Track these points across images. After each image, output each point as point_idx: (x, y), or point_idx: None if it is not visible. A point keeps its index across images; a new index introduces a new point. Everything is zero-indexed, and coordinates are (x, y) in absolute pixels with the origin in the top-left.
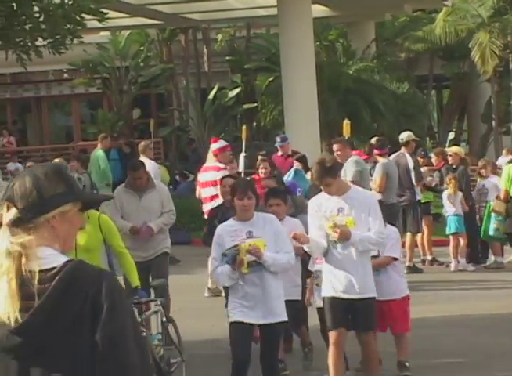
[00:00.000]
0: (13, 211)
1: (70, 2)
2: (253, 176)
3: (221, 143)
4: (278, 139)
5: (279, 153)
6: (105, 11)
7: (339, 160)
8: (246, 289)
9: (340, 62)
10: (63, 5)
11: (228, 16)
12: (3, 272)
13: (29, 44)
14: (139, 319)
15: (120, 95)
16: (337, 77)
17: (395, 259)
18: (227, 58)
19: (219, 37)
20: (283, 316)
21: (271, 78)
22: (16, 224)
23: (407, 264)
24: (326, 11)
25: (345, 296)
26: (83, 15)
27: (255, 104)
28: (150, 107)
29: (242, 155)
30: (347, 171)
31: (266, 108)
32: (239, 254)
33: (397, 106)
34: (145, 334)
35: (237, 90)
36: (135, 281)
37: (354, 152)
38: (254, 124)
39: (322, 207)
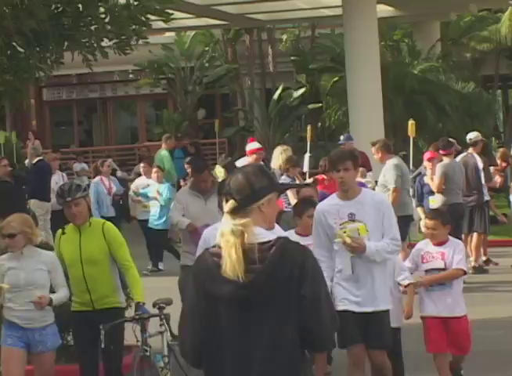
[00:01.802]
0: (231, 202)
1: (136, 3)
2: (317, 176)
3: (255, 145)
4: (342, 137)
5: None
6: (170, 11)
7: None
8: None
9: (405, 62)
10: (128, 5)
11: (293, 17)
12: (231, 246)
13: (95, 45)
14: (143, 338)
15: (185, 95)
16: (402, 78)
17: (465, 273)
18: (292, 58)
19: (284, 37)
20: None
21: (336, 78)
22: (235, 211)
23: (473, 264)
24: (391, 11)
25: (358, 309)
26: (148, 16)
27: (320, 104)
28: (215, 108)
29: (307, 155)
30: (387, 176)
31: (331, 108)
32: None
33: (462, 106)
34: (148, 352)
35: (302, 90)
36: (139, 297)
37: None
38: (319, 124)
39: (330, 215)
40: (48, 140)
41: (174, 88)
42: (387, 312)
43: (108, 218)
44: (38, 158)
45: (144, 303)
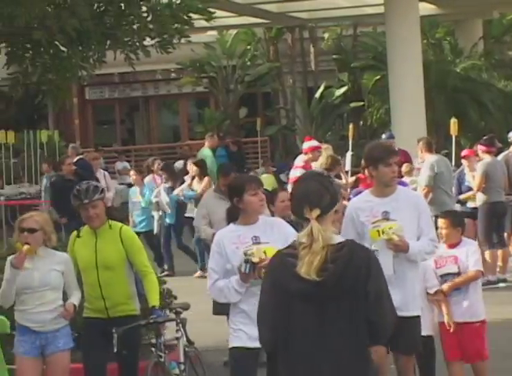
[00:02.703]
0: (316, 211)
1: (178, 2)
2: (358, 175)
3: (313, 143)
4: (384, 135)
5: None
6: (212, 10)
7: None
8: (250, 305)
9: (448, 60)
10: (170, 4)
11: (335, 15)
12: (314, 249)
13: (137, 43)
14: (158, 343)
15: (227, 94)
16: (444, 76)
17: (482, 274)
18: (334, 56)
19: (326, 35)
20: None
21: (378, 77)
22: (318, 218)
23: None
24: (434, 9)
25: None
26: (190, 14)
27: (362, 103)
28: (257, 106)
29: (348, 154)
30: (422, 175)
31: (373, 107)
32: (257, 260)
33: (505, 104)
34: (163, 358)
35: (344, 89)
36: (154, 300)
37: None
38: (361, 122)
39: (362, 213)
40: (91, 139)
41: (216, 86)
42: (418, 318)
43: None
44: (78, 157)
45: (160, 307)
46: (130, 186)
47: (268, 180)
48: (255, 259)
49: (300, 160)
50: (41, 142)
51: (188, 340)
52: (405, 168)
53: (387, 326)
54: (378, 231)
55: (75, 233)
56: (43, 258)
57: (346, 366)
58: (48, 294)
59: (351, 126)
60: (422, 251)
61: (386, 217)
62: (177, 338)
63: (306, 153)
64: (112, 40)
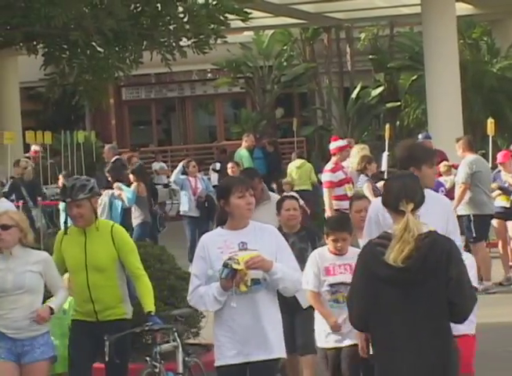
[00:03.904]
0: (412, 205)
1: (214, 2)
2: None
3: (340, 143)
4: (420, 135)
5: None
6: (248, 11)
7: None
8: (235, 317)
9: (484, 60)
10: (207, 5)
11: (372, 15)
12: (408, 238)
13: (173, 44)
14: (153, 352)
15: (264, 94)
16: (480, 76)
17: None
18: (370, 57)
19: (362, 35)
20: (281, 352)
21: (414, 77)
22: (412, 211)
23: None
24: (470, 9)
25: None
26: (227, 15)
27: (398, 103)
28: (293, 106)
29: (385, 154)
30: (459, 172)
31: (409, 107)
32: (239, 267)
33: None
34: (158, 369)
35: (380, 89)
36: (149, 306)
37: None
38: (397, 123)
39: (385, 214)
40: (127, 140)
41: (252, 87)
42: None
43: (192, 218)
44: (116, 157)
45: (151, 312)
46: (166, 186)
47: (302, 168)
48: (236, 266)
49: (330, 163)
50: (77, 143)
51: (184, 350)
52: (442, 167)
53: (468, 307)
54: None
55: (62, 230)
56: (18, 259)
57: (428, 344)
58: (23, 298)
59: (387, 126)
60: None
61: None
62: (174, 347)
63: (334, 154)
64: (148, 40)
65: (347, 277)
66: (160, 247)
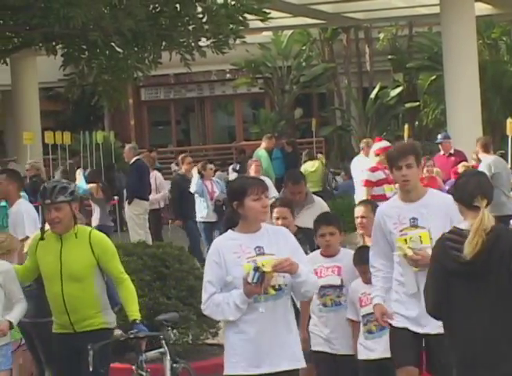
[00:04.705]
0: (486, 201)
1: (233, 2)
2: None
3: (384, 143)
4: (439, 136)
5: (441, 152)
6: (267, 11)
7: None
8: (256, 324)
9: (504, 60)
10: (226, 5)
11: (391, 15)
12: (480, 233)
13: (192, 44)
14: (138, 361)
15: (282, 94)
16: (500, 76)
17: None
18: (389, 57)
19: (381, 36)
20: (303, 361)
21: (433, 77)
22: (486, 207)
23: None
24: (489, 9)
25: (418, 330)
26: (246, 15)
27: (417, 103)
28: (312, 107)
29: None
30: None
31: (428, 107)
32: (268, 269)
33: None
34: None
35: (399, 89)
36: (134, 313)
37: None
38: (416, 123)
39: (389, 219)
40: (146, 140)
41: (271, 87)
42: None
43: (209, 223)
44: (136, 158)
45: (137, 319)
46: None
47: (316, 172)
48: (267, 268)
49: (371, 163)
50: (96, 143)
51: (172, 358)
52: (461, 168)
53: None
54: (405, 240)
55: (38, 234)
56: None
57: (495, 334)
58: None
59: (406, 127)
60: None
61: (414, 224)
62: (162, 354)
63: (378, 155)
64: (167, 41)
65: (335, 279)
66: (179, 248)
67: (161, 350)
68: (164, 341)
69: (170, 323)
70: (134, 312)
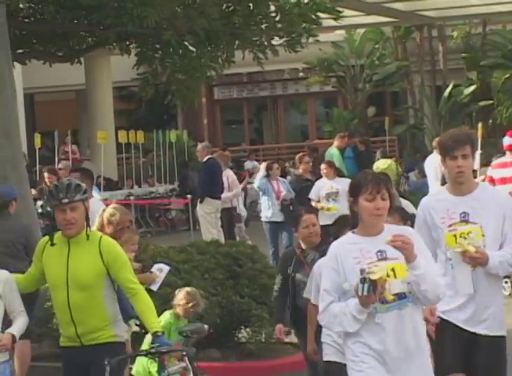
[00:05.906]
0: None
1: (306, 1)
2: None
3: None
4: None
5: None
6: (340, 9)
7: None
8: (379, 337)
9: None
10: (299, 3)
11: (464, 13)
12: None
13: (265, 43)
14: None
15: (355, 93)
16: None
17: None
18: (462, 55)
19: (455, 34)
20: None
21: (507, 75)
22: None
23: None
24: None
25: (467, 328)
26: (319, 13)
27: (491, 101)
28: (385, 105)
29: (477, 153)
30: None
31: (502, 105)
32: (376, 276)
33: None
34: None
35: (473, 87)
36: (154, 325)
37: None
38: (490, 121)
39: (436, 213)
40: (219, 139)
41: (344, 85)
42: (503, 338)
43: (274, 223)
44: (209, 156)
45: (158, 332)
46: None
47: (388, 169)
48: (374, 276)
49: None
50: (170, 142)
51: (195, 372)
52: None
53: None
54: (455, 236)
55: (47, 238)
56: None
57: None
58: None
59: (480, 125)
60: (504, 263)
61: (465, 219)
62: (184, 369)
63: (508, 150)
64: (240, 39)
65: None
66: (252, 246)
67: (183, 364)
68: (187, 358)
69: (195, 335)
70: (153, 324)
